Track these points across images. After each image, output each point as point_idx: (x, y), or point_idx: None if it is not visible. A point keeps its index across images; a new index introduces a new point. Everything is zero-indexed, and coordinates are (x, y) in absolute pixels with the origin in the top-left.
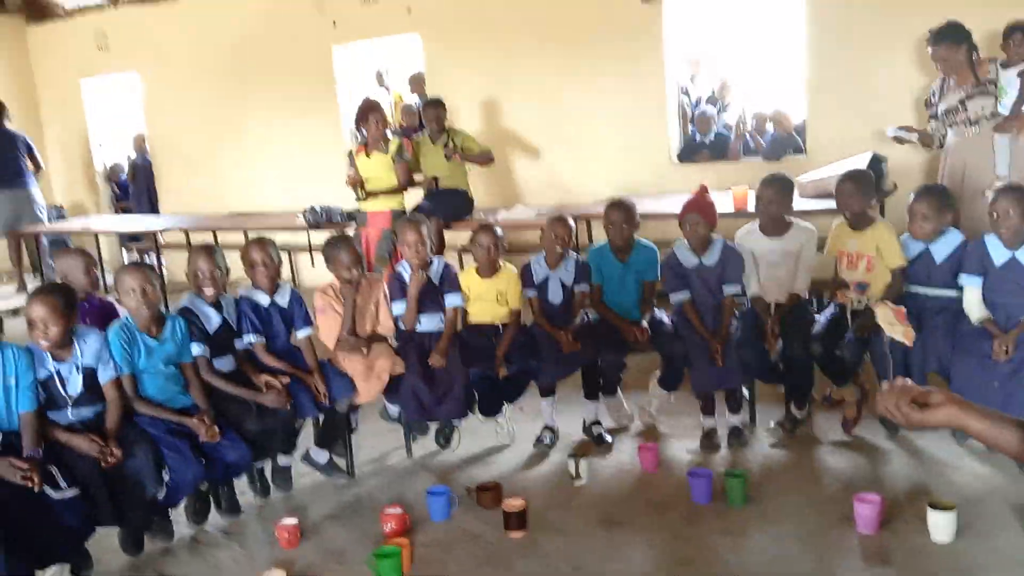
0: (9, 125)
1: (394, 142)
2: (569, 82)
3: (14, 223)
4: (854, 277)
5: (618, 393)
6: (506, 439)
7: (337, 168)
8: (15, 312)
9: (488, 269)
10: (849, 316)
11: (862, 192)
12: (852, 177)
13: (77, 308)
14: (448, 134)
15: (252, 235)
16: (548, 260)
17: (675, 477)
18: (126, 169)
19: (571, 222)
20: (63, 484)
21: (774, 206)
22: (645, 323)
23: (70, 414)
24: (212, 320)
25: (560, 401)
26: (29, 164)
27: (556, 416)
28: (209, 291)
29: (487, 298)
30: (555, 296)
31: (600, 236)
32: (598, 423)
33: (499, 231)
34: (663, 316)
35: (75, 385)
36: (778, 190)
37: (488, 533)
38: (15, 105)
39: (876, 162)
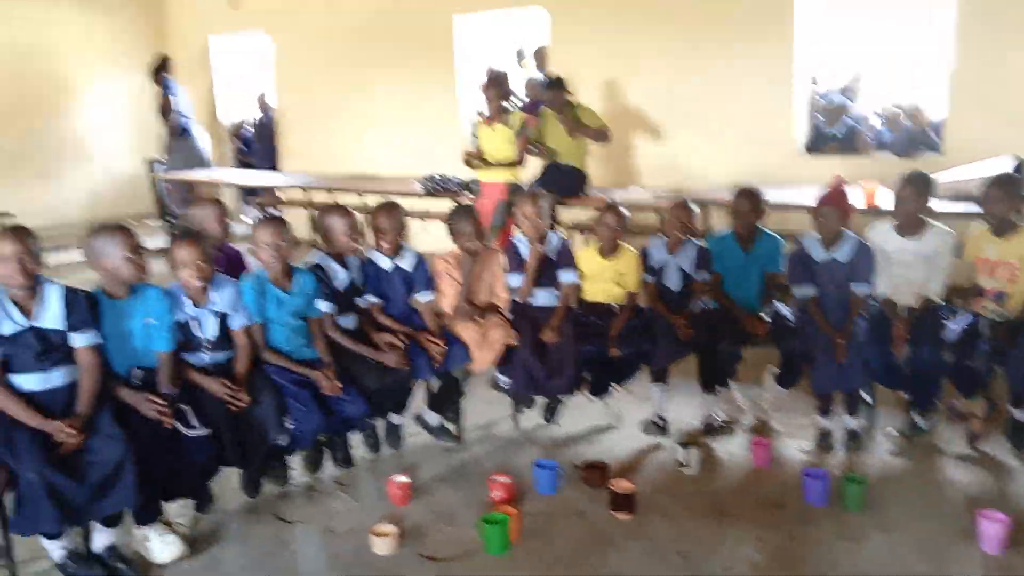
0: (168, 76)
1: (517, 115)
2: (694, 64)
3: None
4: (993, 285)
5: (731, 385)
6: (613, 420)
7: (451, 138)
8: (160, 252)
9: (610, 249)
10: (985, 326)
11: (1010, 197)
12: (1001, 181)
13: (212, 255)
14: (570, 108)
15: (368, 197)
16: (669, 245)
17: (788, 475)
18: (250, 125)
19: (694, 207)
20: (194, 423)
21: (912, 205)
22: (765, 316)
23: (204, 357)
24: (340, 278)
25: (672, 388)
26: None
27: (666, 403)
28: (341, 247)
29: (605, 278)
30: (673, 282)
31: (718, 223)
32: (711, 415)
33: (625, 212)
34: (784, 310)
35: (210, 329)
36: (918, 188)
37: (593, 511)
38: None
39: (1020, 168)
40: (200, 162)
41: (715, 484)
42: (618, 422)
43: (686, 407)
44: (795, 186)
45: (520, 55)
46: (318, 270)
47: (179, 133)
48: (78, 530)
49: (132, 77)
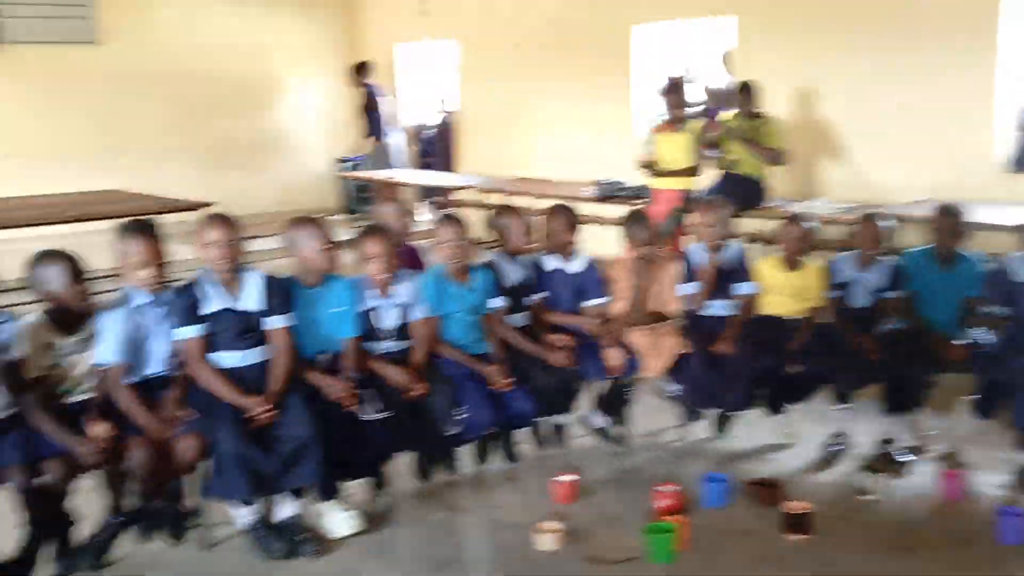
0: (371, 81)
1: (696, 123)
2: (888, 73)
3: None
4: None
5: (920, 411)
6: (787, 439)
7: (623, 144)
8: (347, 243)
9: (792, 262)
10: None
11: None
12: None
13: (395, 251)
14: (759, 122)
15: (538, 201)
16: (858, 261)
17: (979, 511)
18: (430, 128)
19: (885, 224)
20: (373, 408)
21: None
22: (963, 341)
23: (384, 346)
24: (512, 276)
25: (853, 410)
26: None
27: (848, 425)
28: (515, 247)
29: (786, 291)
30: (859, 299)
31: (909, 242)
32: (895, 441)
33: (812, 224)
34: (985, 336)
35: (391, 320)
36: None
37: (763, 530)
38: (346, 64)
39: None
40: (392, 163)
41: (897, 514)
42: (793, 441)
43: (869, 430)
44: (997, 206)
45: (686, 71)
46: (491, 267)
47: (378, 135)
48: (265, 499)
49: (326, 80)
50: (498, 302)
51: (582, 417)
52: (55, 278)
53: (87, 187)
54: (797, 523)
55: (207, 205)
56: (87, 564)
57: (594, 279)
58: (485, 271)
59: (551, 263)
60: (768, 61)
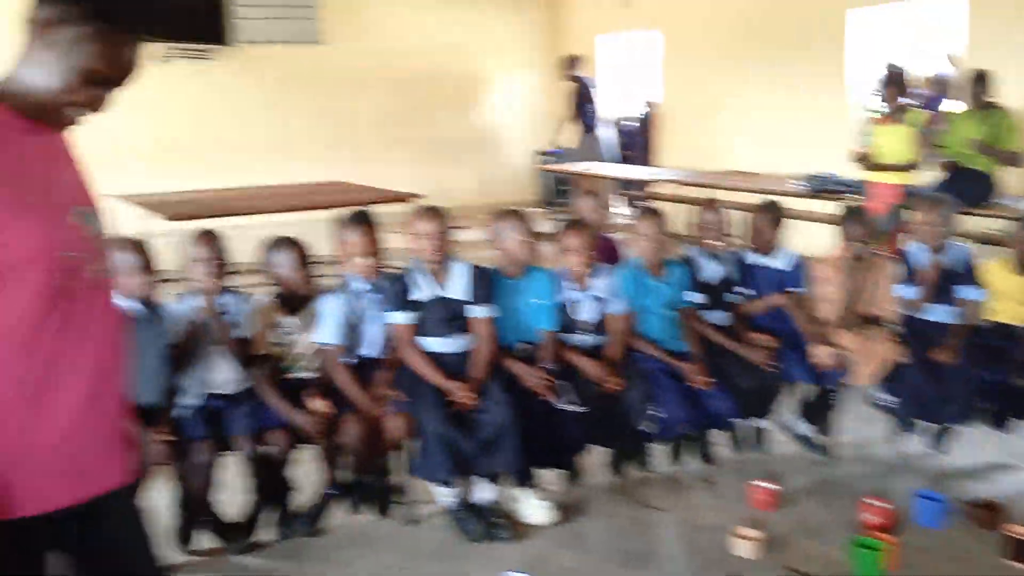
0: (576, 72)
1: (918, 114)
2: None
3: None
4: None
5: None
6: (1015, 458)
7: (836, 136)
8: (547, 236)
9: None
10: None
11: None
12: None
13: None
14: (990, 113)
15: (744, 195)
16: None
17: None
18: (631, 121)
19: None
20: (570, 400)
21: None
22: None
23: (581, 339)
24: (710, 272)
25: None
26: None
27: None
28: (710, 242)
29: (1016, 297)
30: None
31: None
32: None
33: None
34: None
35: (588, 313)
36: None
37: (981, 555)
38: (546, 57)
39: None
40: (601, 156)
41: None
42: (1018, 462)
43: None
44: None
45: (914, 49)
46: (689, 263)
47: (588, 127)
48: (465, 481)
49: (529, 75)
50: (695, 297)
51: (785, 422)
52: (284, 263)
53: (311, 178)
54: (1021, 550)
55: (418, 196)
56: (303, 531)
57: (799, 277)
58: (682, 265)
59: (755, 259)
60: (1002, 47)
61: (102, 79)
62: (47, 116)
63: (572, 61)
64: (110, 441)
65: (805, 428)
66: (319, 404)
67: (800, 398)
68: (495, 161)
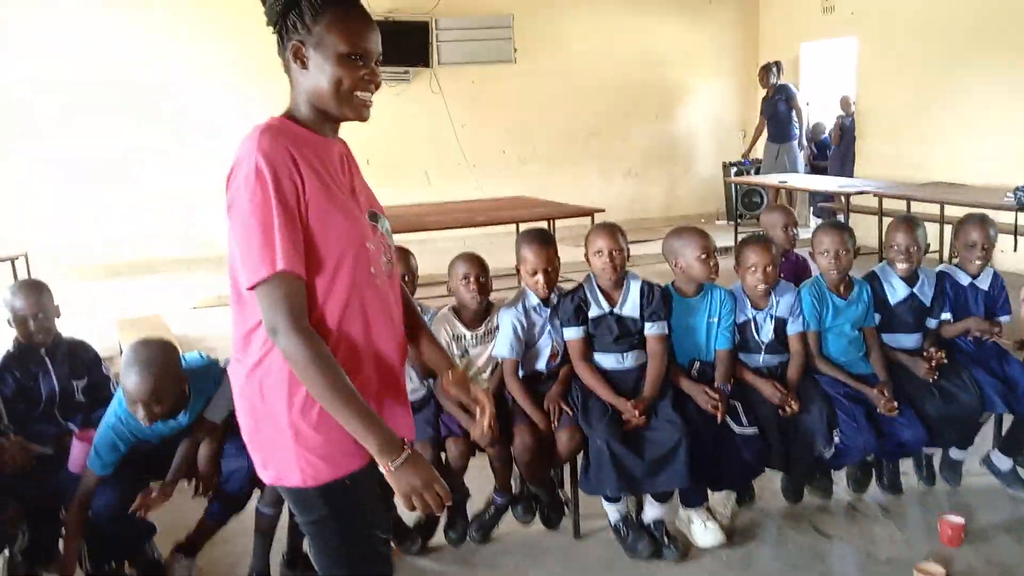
0: (776, 80)
1: None
2: None
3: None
4: None
5: None
6: None
7: None
8: (727, 250)
9: None
10: None
11: None
12: None
13: (778, 261)
14: None
15: (949, 209)
16: None
17: None
18: (827, 130)
19: None
20: (744, 421)
21: None
22: None
23: (759, 359)
24: (897, 292)
25: None
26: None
27: None
28: (902, 266)
29: None
30: None
31: None
32: None
33: None
34: None
35: (767, 333)
36: None
37: None
38: (740, 66)
39: None
40: (793, 168)
41: None
42: None
43: None
44: None
45: None
46: (874, 280)
47: (787, 137)
48: (633, 499)
49: (724, 84)
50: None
51: (983, 457)
52: (463, 277)
53: (498, 193)
54: None
55: (599, 211)
56: (475, 537)
57: (1000, 296)
58: (865, 283)
59: (958, 278)
60: None
61: (359, 55)
62: (334, 119)
63: (773, 68)
64: (405, 403)
65: (1006, 462)
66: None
67: (1001, 429)
68: (686, 173)
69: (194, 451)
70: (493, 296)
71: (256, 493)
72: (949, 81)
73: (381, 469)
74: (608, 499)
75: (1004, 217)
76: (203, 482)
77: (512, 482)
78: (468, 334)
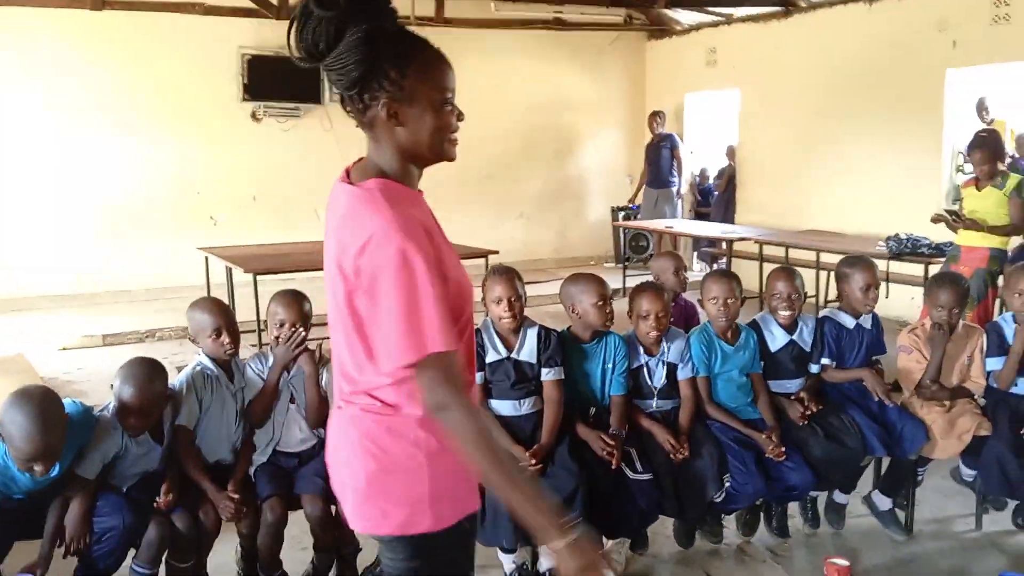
0: (661, 129)
1: (1013, 178)
2: None
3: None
4: None
5: None
6: None
7: (928, 197)
8: (616, 292)
9: None
10: None
11: None
12: None
13: (670, 307)
14: None
15: (824, 257)
16: None
17: None
18: (711, 177)
19: None
20: (639, 467)
21: None
22: None
23: (652, 404)
24: (777, 339)
25: None
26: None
27: None
28: (784, 313)
29: None
30: None
31: None
32: None
33: None
34: None
35: (659, 378)
36: None
37: None
38: (628, 113)
39: None
40: (673, 214)
41: None
42: None
43: None
44: None
45: (981, 106)
46: (756, 328)
47: (666, 183)
48: (529, 549)
49: (613, 131)
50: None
51: (864, 496)
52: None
53: None
54: None
55: (493, 252)
56: None
57: (882, 342)
58: (751, 330)
59: (843, 319)
60: None
61: (450, 97)
62: (428, 165)
63: (657, 117)
64: None
65: (885, 503)
66: None
67: (881, 472)
68: (576, 217)
69: (64, 511)
70: None
71: (132, 552)
72: (826, 134)
73: (547, 547)
74: (504, 550)
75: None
76: (73, 542)
77: None
78: None
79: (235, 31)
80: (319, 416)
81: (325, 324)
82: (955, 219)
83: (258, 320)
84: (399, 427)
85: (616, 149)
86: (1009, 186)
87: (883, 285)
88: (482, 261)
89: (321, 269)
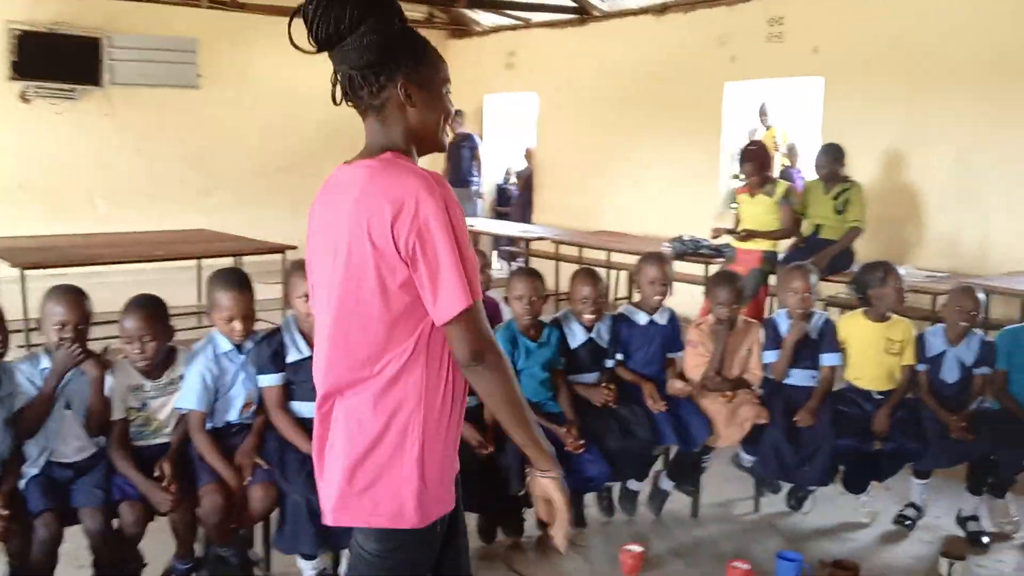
0: (462, 129)
1: (781, 185)
2: (989, 135)
3: None
4: None
5: (1006, 495)
6: (867, 518)
7: (708, 202)
8: None
9: (880, 315)
10: None
11: None
12: None
13: None
14: (844, 186)
15: (615, 256)
16: (949, 334)
17: None
18: (510, 178)
19: (981, 296)
20: None
21: None
22: None
23: None
24: (577, 337)
25: (933, 486)
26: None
27: (926, 501)
28: (589, 316)
29: (874, 346)
30: (950, 375)
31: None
32: (975, 519)
33: (901, 270)
34: None
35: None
36: None
37: None
38: None
39: None
40: (472, 213)
41: None
42: (872, 520)
43: (947, 507)
44: None
45: (763, 111)
46: (561, 324)
47: (465, 182)
48: (330, 555)
49: None
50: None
51: (656, 484)
52: (137, 323)
53: (178, 226)
54: None
55: (291, 248)
56: None
57: (677, 333)
58: (553, 328)
59: (637, 317)
60: (853, 123)
61: (449, 87)
62: (427, 151)
63: (457, 116)
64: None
65: (668, 486)
66: (166, 470)
67: (670, 460)
68: None
69: None
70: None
71: None
72: (617, 139)
73: (546, 476)
74: (305, 556)
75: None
76: None
77: (196, 545)
78: (148, 384)
79: (3, 4)
80: (100, 424)
81: (109, 323)
82: (733, 234)
83: (26, 319)
84: (394, 410)
85: None
86: (779, 193)
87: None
88: (278, 257)
89: (99, 263)
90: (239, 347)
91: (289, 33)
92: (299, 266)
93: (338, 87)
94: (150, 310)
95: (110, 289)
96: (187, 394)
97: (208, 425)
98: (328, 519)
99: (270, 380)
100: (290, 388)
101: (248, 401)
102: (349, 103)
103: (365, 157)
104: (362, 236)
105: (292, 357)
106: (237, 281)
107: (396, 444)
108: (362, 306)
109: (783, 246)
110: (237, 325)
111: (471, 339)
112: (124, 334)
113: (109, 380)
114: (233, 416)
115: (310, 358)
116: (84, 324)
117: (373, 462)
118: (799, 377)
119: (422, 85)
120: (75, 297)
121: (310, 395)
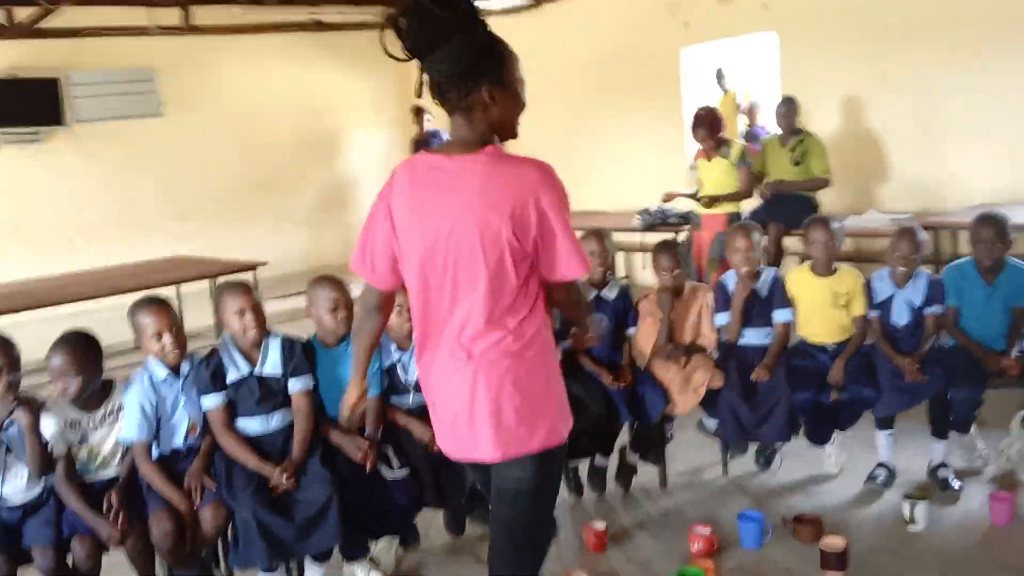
0: (429, 125)
1: (736, 146)
2: (945, 78)
3: None
4: None
5: (971, 431)
6: (833, 468)
7: (674, 170)
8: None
9: (824, 267)
10: None
11: None
12: None
13: None
14: (800, 138)
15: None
16: (894, 277)
17: None
18: None
19: (920, 236)
20: (395, 465)
21: None
22: (1015, 354)
23: (410, 399)
24: None
25: (901, 435)
26: None
27: (894, 452)
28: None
29: (821, 301)
30: (900, 317)
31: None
32: (945, 466)
33: (835, 225)
34: None
35: (414, 373)
36: None
37: (802, 569)
38: (402, 114)
39: None
40: None
41: (945, 544)
42: (839, 471)
43: (917, 455)
44: None
45: (720, 76)
46: None
47: None
48: (294, 563)
49: (387, 130)
50: None
51: (623, 458)
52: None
53: (158, 254)
54: (833, 560)
55: (262, 264)
56: None
57: (627, 307)
58: None
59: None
60: (810, 75)
61: (523, 85)
62: (504, 140)
63: (418, 112)
64: None
65: (634, 458)
66: (113, 502)
67: (632, 433)
68: (359, 221)
69: None
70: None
71: None
72: (586, 119)
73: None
74: (261, 570)
75: (636, 237)
76: None
77: (158, 570)
78: (85, 417)
79: None
80: (42, 465)
81: (38, 371)
82: (695, 199)
83: None
84: (532, 357)
85: (391, 148)
86: (734, 155)
87: (639, 255)
88: (250, 275)
89: (65, 303)
90: (175, 371)
91: (382, 41)
92: (230, 286)
93: (424, 84)
94: (75, 347)
95: (100, 325)
96: (128, 425)
97: (155, 453)
98: (492, 457)
99: (213, 401)
100: (234, 406)
101: (192, 424)
102: (436, 102)
103: (464, 151)
104: (494, 218)
105: (232, 376)
106: (153, 301)
107: (538, 378)
108: (499, 275)
109: (747, 207)
110: (167, 338)
111: (576, 293)
112: (50, 372)
113: (47, 420)
114: (179, 442)
115: (250, 375)
116: (12, 372)
117: (522, 398)
118: (753, 336)
119: (503, 87)
120: (3, 346)
121: (254, 411)
